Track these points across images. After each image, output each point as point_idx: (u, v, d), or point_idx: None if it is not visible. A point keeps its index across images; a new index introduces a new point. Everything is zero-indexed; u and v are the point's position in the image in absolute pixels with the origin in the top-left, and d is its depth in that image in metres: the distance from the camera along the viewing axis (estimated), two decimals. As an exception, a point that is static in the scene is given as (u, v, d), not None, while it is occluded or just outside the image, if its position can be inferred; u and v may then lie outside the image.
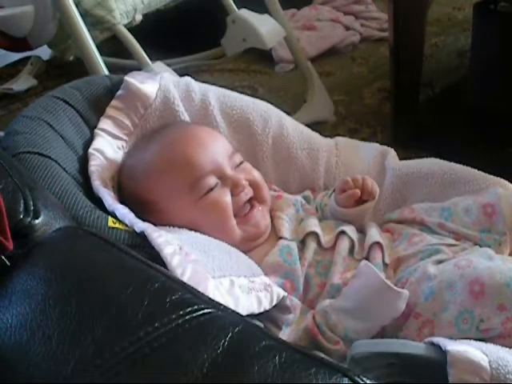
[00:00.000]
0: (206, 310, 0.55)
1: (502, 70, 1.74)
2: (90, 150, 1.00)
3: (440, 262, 0.91)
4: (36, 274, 0.59)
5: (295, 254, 0.96)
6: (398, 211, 1.06)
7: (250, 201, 1.00)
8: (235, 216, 0.97)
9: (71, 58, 2.01)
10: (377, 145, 1.16)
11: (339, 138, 1.18)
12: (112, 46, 1.88)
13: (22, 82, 2.28)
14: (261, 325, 0.78)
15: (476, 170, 1.05)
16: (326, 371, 0.50)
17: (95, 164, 0.98)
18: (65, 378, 0.50)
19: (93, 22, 1.63)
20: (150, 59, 1.58)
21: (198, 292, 0.58)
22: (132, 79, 1.08)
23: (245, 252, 0.95)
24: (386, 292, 0.84)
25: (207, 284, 0.77)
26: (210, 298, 0.58)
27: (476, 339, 0.78)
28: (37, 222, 0.68)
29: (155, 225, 0.87)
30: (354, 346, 0.77)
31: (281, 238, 0.99)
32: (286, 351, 0.51)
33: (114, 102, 1.07)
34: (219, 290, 0.78)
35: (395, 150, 1.14)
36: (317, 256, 0.97)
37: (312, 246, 0.97)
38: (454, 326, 0.83)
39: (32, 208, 0.69)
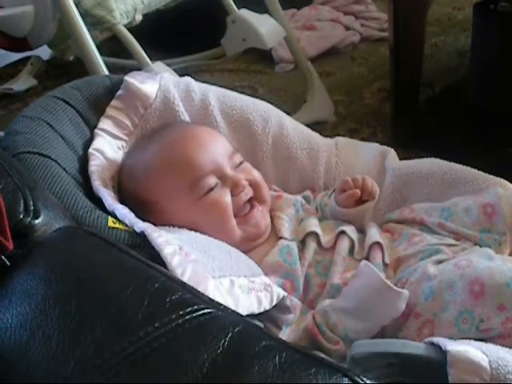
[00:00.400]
0: (206, 310, 0.55)
1: (502, 70, 1.74)
2: (90, 150, 1.00)
3: (440, 261, 0.91)
4: (36, 274, 0.59)
5: (295, 254, 0.96)
6: (398, 211, 1.06)
7: (250, 201, 1.00)
8: (235, 216, 0.97)
9: (71, 58, 2.01)
10: (377, 145, 1.16)
11: (339, 138, 1.18)
12: (112, 46, 1.88)
13: (22, 82, 2.28)
14: (261, 325, 0.78)
15: (476, 170, 1.05)
16: (326, 371, 0.50)
17: (95, 164, 0.98)
18: (65, 377, 0.50)
19: (93, 22, 1.63)
20: (150, 59, 1.58)
21: (198, 292, 0.58)
22: (132, 79, 1.08)
23: (245, 252, 0.95)
24: (386, 292, 0.84)
25: (207, 284, 0.77)
26: (209, 298, 0.58)
27: (476, 339, 0.78)
28: (37, 221, 0.68)
29: (155, 225, 0.87)
30: (353, 346, 0.77)
31: (281, 237, 0.99)
32: (286, 351, 0.51)
33: (113, 102, 1.07)
34: (219, 290, 0.78)
35: (395, 150, 1.14)
36: (317, 256, 0.97)
37: (312, 245, 0.97)
38: (454, 326, 0.83)
39: (32, 208, 0.68)
